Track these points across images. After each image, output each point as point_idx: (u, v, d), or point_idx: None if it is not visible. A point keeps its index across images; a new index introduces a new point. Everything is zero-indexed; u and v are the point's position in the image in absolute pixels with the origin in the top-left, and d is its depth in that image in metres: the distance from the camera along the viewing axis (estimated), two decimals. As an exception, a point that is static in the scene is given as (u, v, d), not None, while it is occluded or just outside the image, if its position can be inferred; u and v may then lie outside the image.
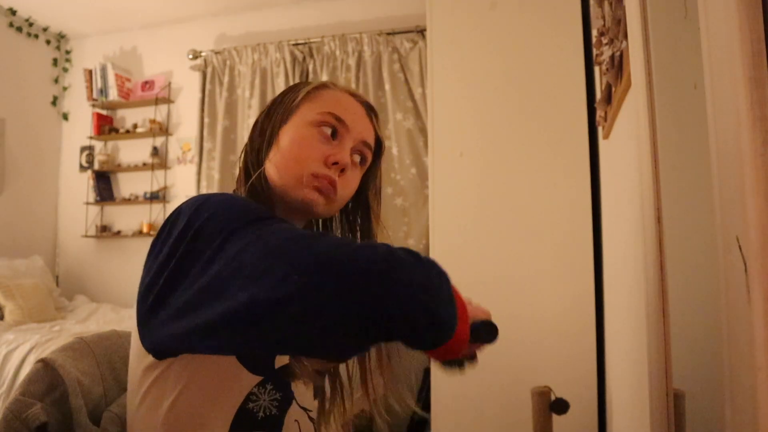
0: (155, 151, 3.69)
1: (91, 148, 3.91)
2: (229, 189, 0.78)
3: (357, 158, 0.75)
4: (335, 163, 0.70)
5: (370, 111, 0.78)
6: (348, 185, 0.74)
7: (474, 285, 1.78)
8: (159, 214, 3.70)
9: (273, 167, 0.71)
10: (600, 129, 1.55)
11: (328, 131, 0.71)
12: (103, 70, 3.75)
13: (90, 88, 3.79)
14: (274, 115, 0.74)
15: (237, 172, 0.76)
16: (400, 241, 3.02)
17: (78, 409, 1.35)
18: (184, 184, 3.66)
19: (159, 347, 0.59)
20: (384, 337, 0.45)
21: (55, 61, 4.01)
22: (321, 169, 0.70)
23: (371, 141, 0.76)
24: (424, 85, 3.02)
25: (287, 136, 0.71)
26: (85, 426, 1.34)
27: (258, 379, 0.64)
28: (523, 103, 1.81)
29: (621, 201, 1.20)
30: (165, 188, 3.70)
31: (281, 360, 0.66)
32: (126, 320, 3.04)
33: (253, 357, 0.63)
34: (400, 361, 0.75)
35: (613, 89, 1.16)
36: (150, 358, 0.61)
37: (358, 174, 0.77)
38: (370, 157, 0.77)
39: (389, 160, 3.08)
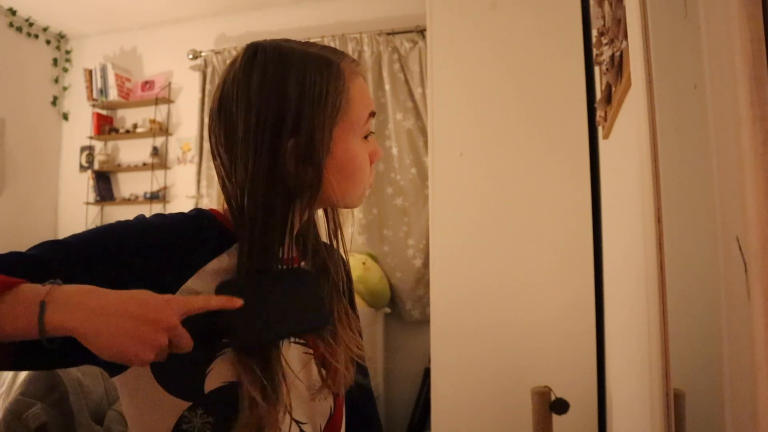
0: (155, 151, 3.69)
1: (91, 148, 3.90)
2: None
3: None
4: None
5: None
6: None
7: (474, 284, 1.80)
8: (159, 214, 3.70)
9: (326, 173, 0.66)
10: (600, 129, 1.55)
11: (370, 135, 0.71)
12: (103, 70, 3.75)
13: (90, 88, 3.79)
14: (321, 107, 0.64)
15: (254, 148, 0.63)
16: (400, 241, 3.02)
17: (79, 409, 1.35)
18: (184, 184, 3.65)
19: None
20: None
21: (55, 61, 4.00)
22: (370, 177, 0.72)
23: None
24: (424, 85, 3.02)
25: (342, 146, 0.67)
26: (88, 425, 1.34)
27: (187, 403, 0.61)
28: (523, 103, 1.81)
29: (621, 201, 1.20)
30: (165, 188, 3.70)
31: (212, 383, 0.61)
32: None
33: (175, 380, 0.61)
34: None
35: (613, 89, 1.16)
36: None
37: None
38: None
39: (389, 160, 3.08)
